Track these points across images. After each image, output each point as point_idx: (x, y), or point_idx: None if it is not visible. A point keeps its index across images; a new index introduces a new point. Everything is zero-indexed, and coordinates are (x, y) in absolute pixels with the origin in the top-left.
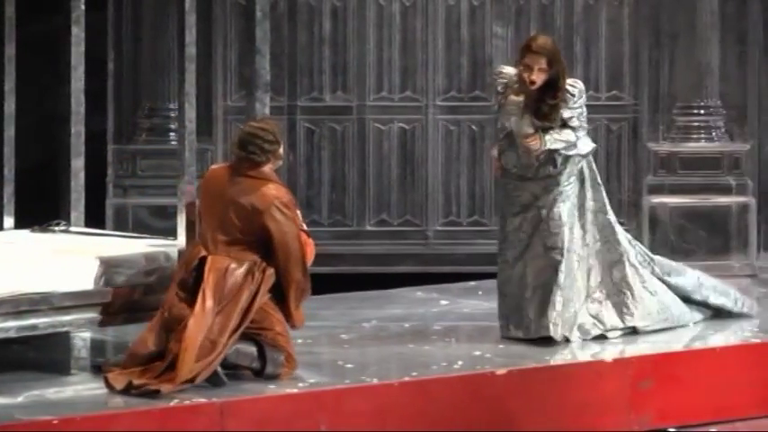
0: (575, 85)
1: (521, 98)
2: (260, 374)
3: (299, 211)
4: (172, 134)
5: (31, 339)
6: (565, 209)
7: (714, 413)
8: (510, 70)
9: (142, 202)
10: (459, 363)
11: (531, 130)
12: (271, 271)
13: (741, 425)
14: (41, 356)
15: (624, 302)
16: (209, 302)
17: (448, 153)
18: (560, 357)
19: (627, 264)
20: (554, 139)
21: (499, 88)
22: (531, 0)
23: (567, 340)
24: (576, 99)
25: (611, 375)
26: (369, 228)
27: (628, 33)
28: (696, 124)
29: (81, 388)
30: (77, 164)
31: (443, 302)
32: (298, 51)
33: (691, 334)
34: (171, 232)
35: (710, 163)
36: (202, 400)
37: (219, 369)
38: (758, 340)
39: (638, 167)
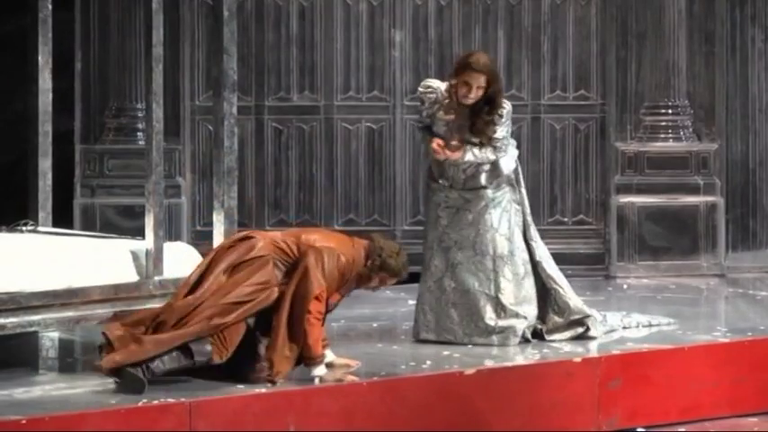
0: (504, 106)
1: (449, 115)
2: (194, 367)
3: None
4: (139, 134)
5: None
6: (496, 215)
7: (682, 413)
8: (437, 84)
9: (110, 201)
10: (428, 362)
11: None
12: (274, 294)
13: (709, 424)
14: (9, 356)
15: (557, 297)
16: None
17: (415, 153)
18: (529, 357)
19: (545, 263)
20: (472, 154)
21: (426, 104)
22: (499, 0)
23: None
24: (503, 119)
25: (579, 375)
26: (337, 227)
27: (595, 33)
28: (664, 124)
29: (49, 388)
30: (45, 164)
31: (411, 302)
32: (265, 51)
33: (659, 334)
34: (139, 232)
35: (678, 162)
36: (171, 399)
37: (139, 370)
38: (726, 340)
39: (605, 167)
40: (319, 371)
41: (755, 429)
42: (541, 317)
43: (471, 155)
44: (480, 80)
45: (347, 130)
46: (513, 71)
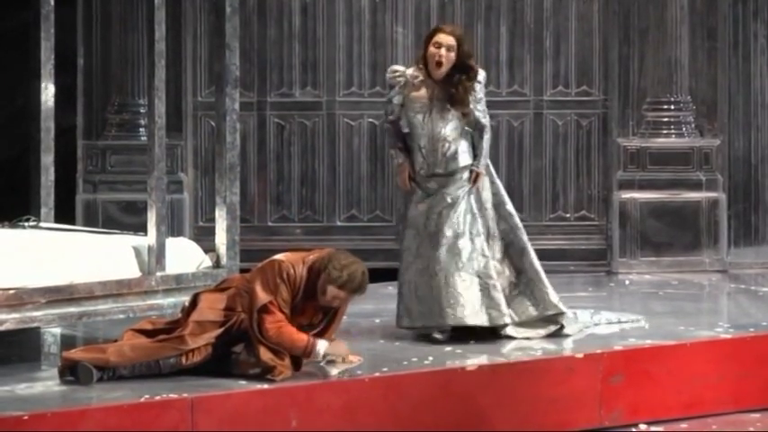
0: (479, 72)
1: (423, 93)
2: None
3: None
4: (141, 130)
5: (1, 335)
6: (473, 199)
7: (685, 409)
8: (403, 68)
9: (112, 197)
10: (430, 358)
11: (445, 128)
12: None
13: (712, 420)
14: (11, 352)
15: (535, 289)
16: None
17: None
18: (530, 353)
19: (531, 252)
20: (485, 163)
21: (397, 88)
22: None
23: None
24: (480, 84)
25: (581, 371)
26: (339, 223)
27: (597, 29)
28: (666, 120)
29: (51, 383)
30: (47, 160)
31: None
32: (267, 47)
33: (661, 329)
34: (141, 227)
35: (680, 158)
36: (173, 395)
37: (99, 371)
38: (729, 335)
39: (607, 163)
40: (320, 348)
41: (758, 425)
42: (514, 306)
43: (485, 162)
44: (450, 41)
45: (349, 125)
46: (516, 67)
